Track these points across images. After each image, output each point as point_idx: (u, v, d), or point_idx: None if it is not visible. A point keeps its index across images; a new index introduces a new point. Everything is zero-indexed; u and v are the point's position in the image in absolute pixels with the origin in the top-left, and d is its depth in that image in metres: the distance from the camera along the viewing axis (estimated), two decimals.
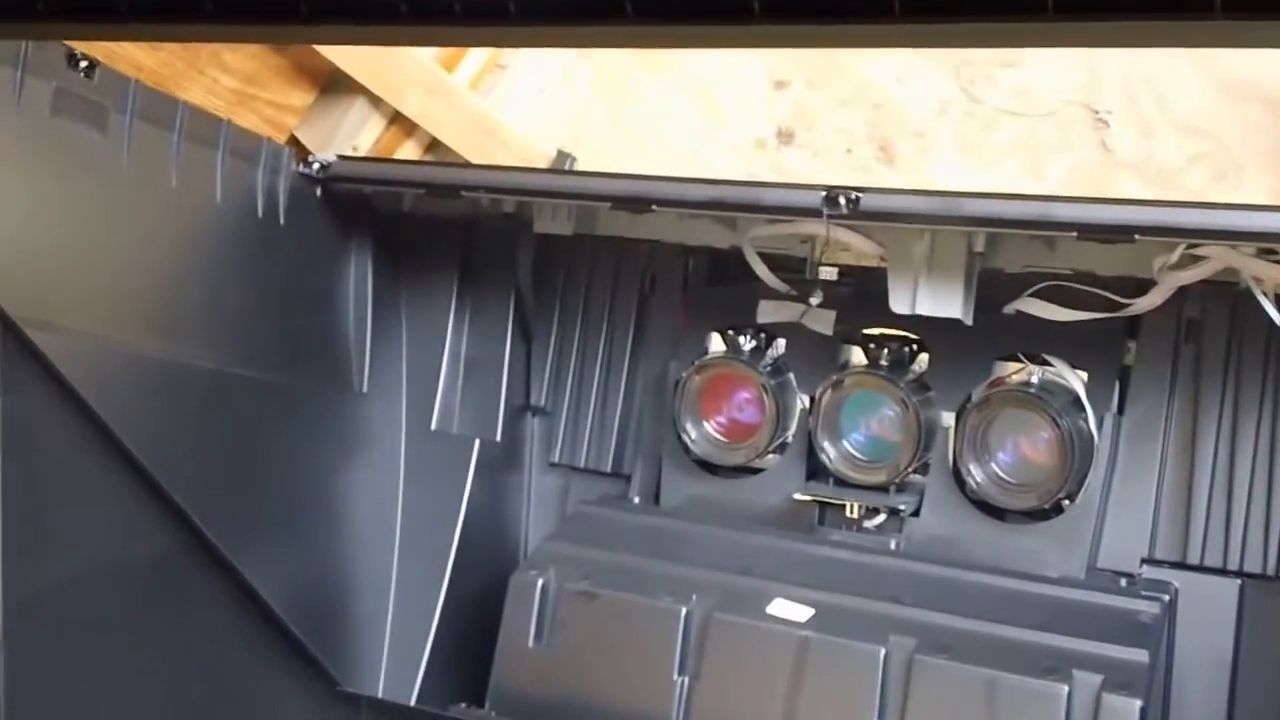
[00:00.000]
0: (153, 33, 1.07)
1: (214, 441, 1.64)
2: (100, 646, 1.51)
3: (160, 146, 1.57)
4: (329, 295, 1.89)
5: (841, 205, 1.51)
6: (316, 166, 1.82)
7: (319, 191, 1.83)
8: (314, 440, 1.81)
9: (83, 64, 1.45)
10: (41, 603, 1.41)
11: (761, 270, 1.83)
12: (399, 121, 2.62)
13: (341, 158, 1.86)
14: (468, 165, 2.34)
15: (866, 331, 1.81)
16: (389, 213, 1.95)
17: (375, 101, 2.56)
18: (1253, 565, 1.59)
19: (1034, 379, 1.68)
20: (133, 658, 1.56)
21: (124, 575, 1.53)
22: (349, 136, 2.55)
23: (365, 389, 1.91)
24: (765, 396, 1.82)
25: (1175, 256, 1.52)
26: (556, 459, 2.04)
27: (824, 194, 1.52)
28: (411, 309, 1.99)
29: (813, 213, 1.53)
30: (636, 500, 1.94)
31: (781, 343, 1.87)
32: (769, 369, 1.84)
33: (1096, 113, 2.25)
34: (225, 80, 2.41)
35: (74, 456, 1.44)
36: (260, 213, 1.74)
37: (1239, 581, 1.60)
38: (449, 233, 1.99)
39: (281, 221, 1.77)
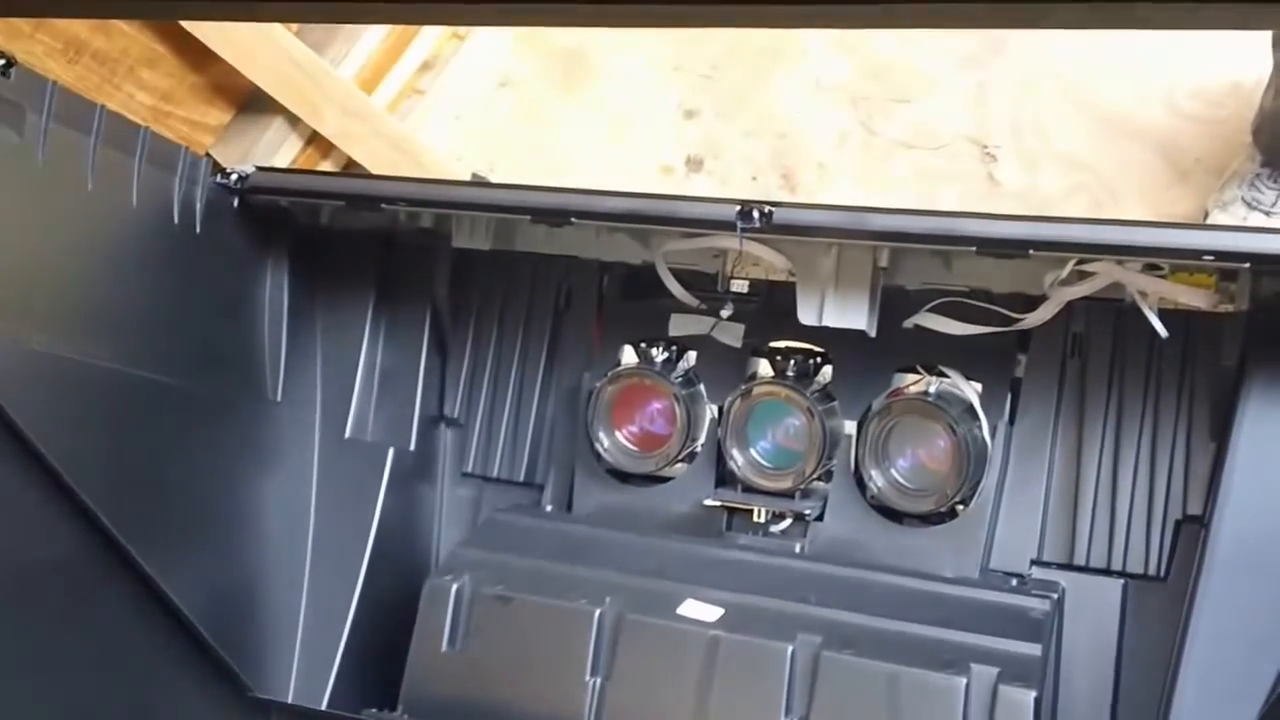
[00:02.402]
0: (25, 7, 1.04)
1: (126, 444, 1.64)
2: (2, 650, 1.49)
3: (77, 150, 1.58)
4: (244, 305, 1.90)
5: (755, 219, 1.58)
6: (235, 177, 1.83)
7: (236, 202, 1.84)
8: (227, 446, 1.81)
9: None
10: None
11: (673, 285, 1.89)
12: (316, 142, 2.65)
13: (260, 169, 1.87)
14: (387, 178, 2.36)
15: (773, 344, 1.88)
16: (307, 225, 1.97)
17: (293, 121, 2.58)
18: (1135, 566, 1.69)
19: (931, 389, 1.77)
20: (36, 662, 1.54)
21: (30, 577, 1.52)
22: (265, 156, 2.56)
23: (279, 397, 1.91)
24: (676, 406, 1.87)
25: (1065, 272, 1.62)
26: (470, 469, 2.07)
27: (738, 208, 1.59)
28: (327, 320, 2.01)
29: (727, 226, 1.60)
30: (549, 508, 1.98)
31: (692, 355, 1.93)
32: (680, 380, 1.89)
33: (985, 147, 2.37)
34: (141, 96, 2.41)
35: None
36: (176, 221, 1.75)
37: (1122, 581, 1.69)
38: (366, 246, 2.01)
39: (198, 230, 1.78)
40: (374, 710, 1.75)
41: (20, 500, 1.49)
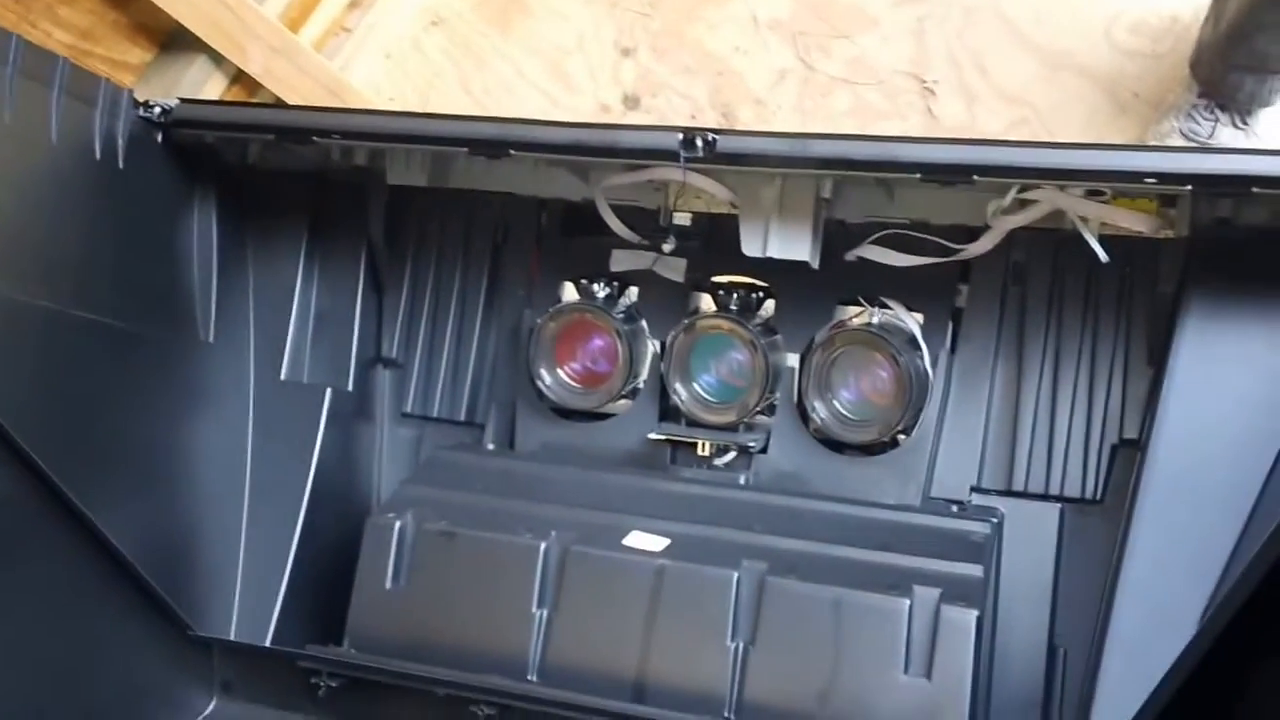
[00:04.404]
0: None
1: (56, 384, 1.59)
2: None
3: None
4: (172, 243, 1.85)
5: (698, 147, 1.57)
6: (157, 110, 1.78)
7: (160, 137, 1.79)
8: (160, 387, 1.77)
9: None
10: None
11: (613, 221, 1.88)
12: (241, 81, 2.58)
13: (184, 101, 1.82)
14: (318, 109, 2.31)
15: (716, 279, 1.88)
16: (235, 162, 1.92)
17: (217, 59, 2.51)
18: (1072, 491, 1.72)
19: (874, 320, 1.77)
20: None
21: None
22: (189, 95, 2.49)
23: (212, 338, 1.87)
24: (618, 342, 1.86)
25: (1007, 201, 1.63)
26: (409, 409, 2.04)
27: (681, 136, 1.57)
28: (259, 260, 1.96)
29: (669, 155, 1.58)
30: (491, 446, 1.96)
31: (634, 291, 1.92)
32: (622, 316, 1.88)
33: (924, 82, 2.38)
34: (59, 34, 2.33)
35: None
36: (98, 155, 1.70)
37: (1059, 506, 1.72)
38: (298, 184, 1.97)
39: (121, 166, 1.73)
40: (318, 646, 1.73)
41: None
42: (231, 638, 1.79)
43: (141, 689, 1.78)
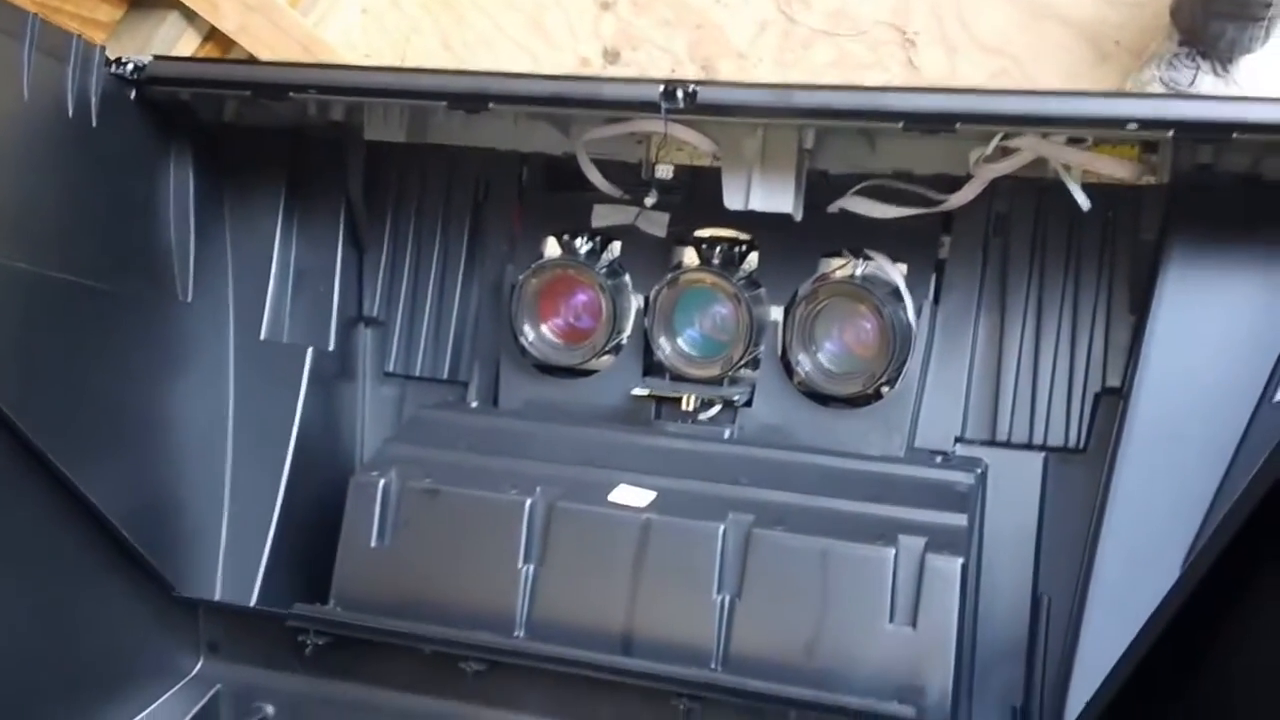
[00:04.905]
0: None
1: (33, 345, 1.57)
2: None
3: None
4: (148, 202, 1.83)
5: (679, 99, 1.55)
6: (130, 67, 1.75)
7: (134, 94, 1.77)
8: (139, 347, 1.75)
9: None
10: None
11: (595, 175, 1.86)
12: (215, 39, 2.55)
13: (158, 58, 1.79)
14: (295, 64, 2.27)
15: (698, 233, 1.87)
16: (210, 120, 1.90)
17: (189, 16, 2.48)
18: (1055, 440, 1.72)
19: (857, 272, 1.77)
20: None
21: None
22: (161, 53, 2.45)
23: (190, 298, 1.85)
24: (602, 298, 1.86)
25: (990, 149, 1.62)
26: (392, 368, 2.03)
27: (662, 88, 1.56)
28: (236, 218, 1.94)
29: (651, 107, 1.57)
30: (475, 404, 1.95)
31: (616, 246, 1.91)
32: (605, 271, 1.87)
33: (905, 33, 2.36)
34: None
35: None
36: (71, 113, 1.67)
37: (1043, 455, 1.73)
38: (275, 141, 1.94)
39: (94, 124, 1.71)
40: (305, 605, 1.73)
41: None
42: (216, 598, 1.78)
43: (127, 651, 1.78)
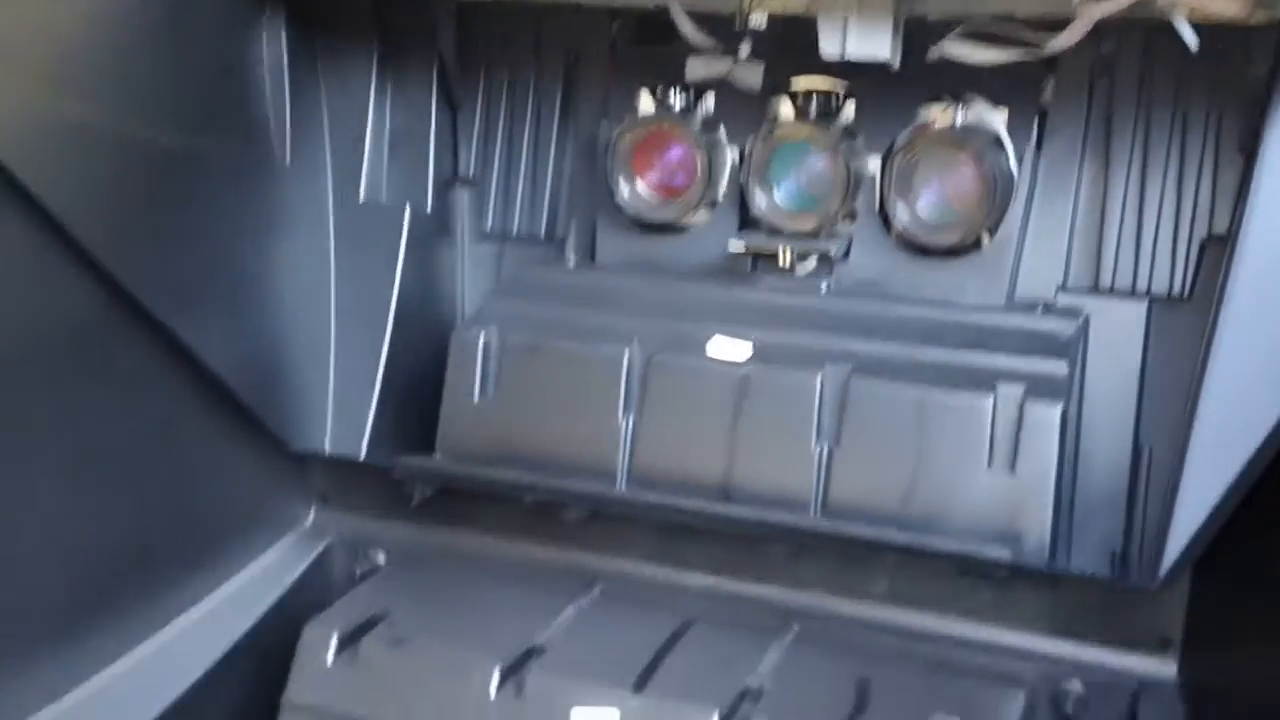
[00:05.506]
0: None
1: (137, 205, 1.61)
2: (35, 412, 1.52)
3: None
4: (243, 64, 1.84)
5: None
6: None
7: None
8: (242, 211, 1.79)
9: None
10: None
11: (687, 27, 1.83)
12: None
13: None
14: None
15: (794, 84, 1.84)
16: None
17: None
18: (1159, 288, 1.70)
19: (957, 120, 1.73)
20: (75, 427, 1.56)
21: (57, 343, 1.52)
22: None
23: (289, 160, 1.88)
24: (697, 152, 1.85)
25: None
26: (489, 229, 2.05)
27: None
28: (330, 81, 1.95)
29: None
30: (572, 261, 1.97)
31: (711, 99, 1.89)
32: (699, 125, 1.86)
33: None
34: None
35: None
36: None
37: (1146, 303, 1.70)
38: (364, 2, 1.94)
39: None
40: (411, 456, 1.79)
41: (38, 265, 1.48)
42: (327, 451, 1.85)
43: (243, 503, 1.86)
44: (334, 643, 1.58)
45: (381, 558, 1.89)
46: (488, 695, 1.49)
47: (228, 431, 1.78)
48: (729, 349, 1.70)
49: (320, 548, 1.90)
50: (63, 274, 1.51)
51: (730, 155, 1.86)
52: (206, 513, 1.80)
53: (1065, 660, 1.55)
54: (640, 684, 1.47)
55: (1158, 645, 1.53)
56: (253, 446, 1.82)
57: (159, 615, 1.72)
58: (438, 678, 1.52)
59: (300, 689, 1.59)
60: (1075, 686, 1.53)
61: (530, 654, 1.54)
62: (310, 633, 1.61)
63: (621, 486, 1.71)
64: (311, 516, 1.96)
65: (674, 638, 1.58)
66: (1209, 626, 1.49)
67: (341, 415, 1.86)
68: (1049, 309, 1.72)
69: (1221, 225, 1.66)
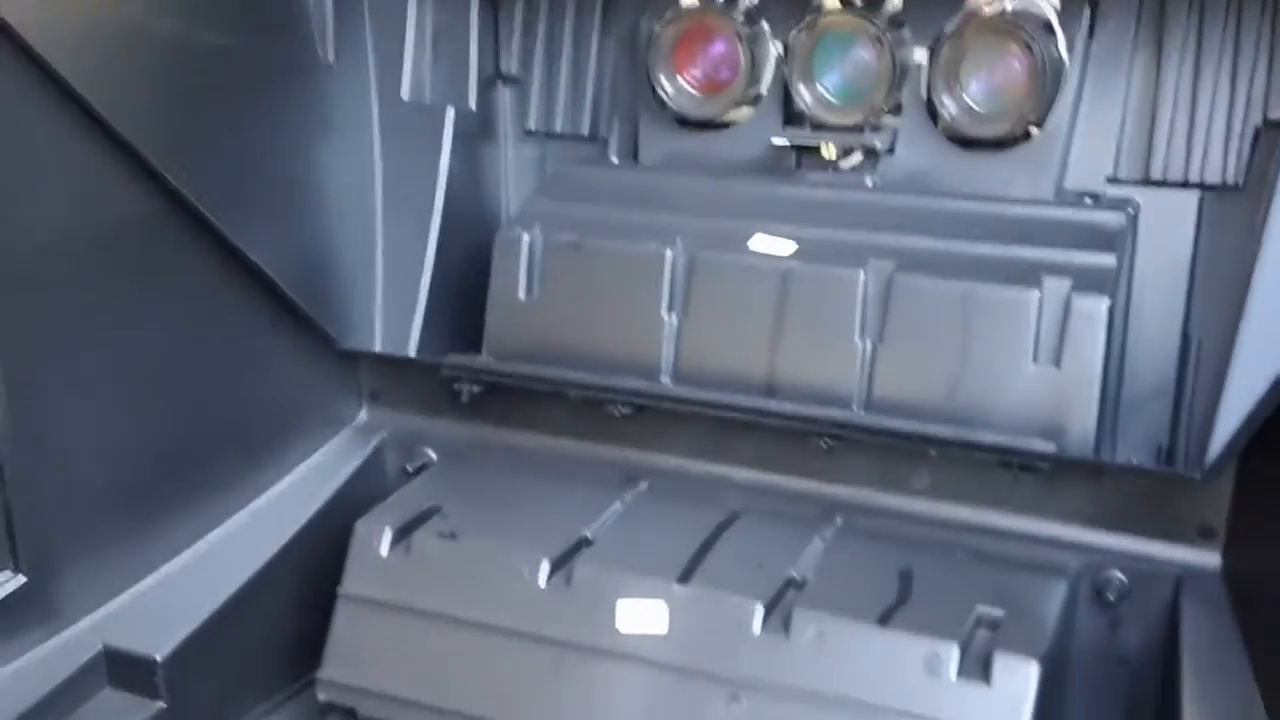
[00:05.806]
0: None
1: (183, 105, 1.62)
2: (94, 315, 1.55)
3: None
4: None
5: None
6: None
7: None
8: (286, 109, 1.80)
9: None
10: (17, 266, 1.44)
11: None
12: None
13: None
14: None
15: None
16: None
17: None
18: (1212, 177, 1.66)
19: (1008, 7, 1.69)
20: (129, 327, 1.60)
21: (102, 239, 1.55)
22: None
23: (332, 59, 1.88)
24: (739, 46, 1.82)
25: None
26: (532, 126, 2.05)
27: None
28: None
29: None
30: (615, 159, 1.96)
31: None
32: (742, 18, 1.83)
33: None
34: None
35: (34, 117, 1.43)
36: None
37: (1198, 194, 1.67)
38: None
39: None
40: (459, 354, 1.82)
41: (90, 168, 1.51)
42: (377, 349, 1.88)
43: (297, 403, 1.90)
44: (388, 536, 1.62)
45: (432, 454, 1.93)
46: (537, 586, 1.53)
47: (280, 331, 1.81)
48: (772, 245, 1.70)
49: (372, 445, 1.94)
50: (115, 177, 1.54)
51: (774, 49, 1.83)
52: (262, 412, 1.84)
53: (1108, 550, 1.56)
54: (686, 575, 1.50)
55: (1201, 535, 1.53)
56: (304, 346, 1.85)
57: (220, 510, 1.77)
58: (489, 569, 1.56)
59: (356, 580, 1.63)
60: (1118, 575, 1.54)
61: (579, 546, 1.58)
62: (364, 526, 1.65)
63: (667, 382, 1.72)
64: (363, 415, 1.99)
65: (719, 531, 1.60)
66: (1253, 516, 1.49)
67: (390, 314, 1.88)
68: (1098, 200, 1.69)
69: (1277, 112, 1.62)
